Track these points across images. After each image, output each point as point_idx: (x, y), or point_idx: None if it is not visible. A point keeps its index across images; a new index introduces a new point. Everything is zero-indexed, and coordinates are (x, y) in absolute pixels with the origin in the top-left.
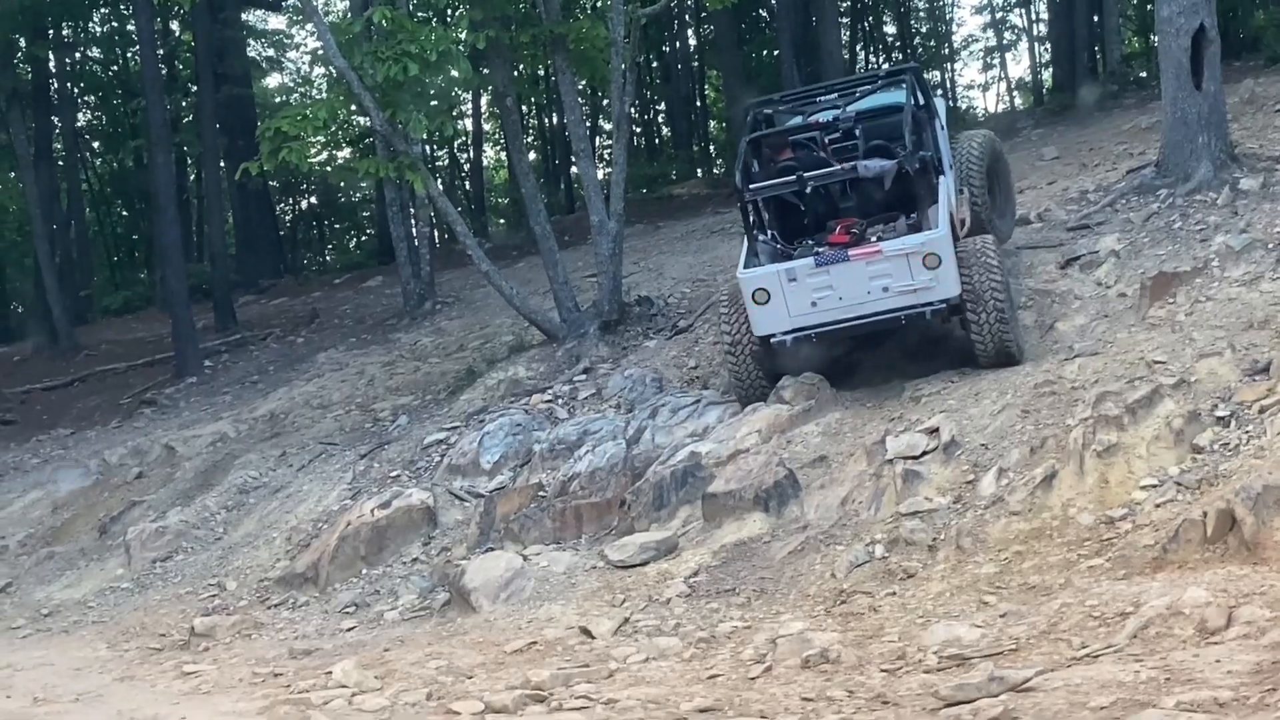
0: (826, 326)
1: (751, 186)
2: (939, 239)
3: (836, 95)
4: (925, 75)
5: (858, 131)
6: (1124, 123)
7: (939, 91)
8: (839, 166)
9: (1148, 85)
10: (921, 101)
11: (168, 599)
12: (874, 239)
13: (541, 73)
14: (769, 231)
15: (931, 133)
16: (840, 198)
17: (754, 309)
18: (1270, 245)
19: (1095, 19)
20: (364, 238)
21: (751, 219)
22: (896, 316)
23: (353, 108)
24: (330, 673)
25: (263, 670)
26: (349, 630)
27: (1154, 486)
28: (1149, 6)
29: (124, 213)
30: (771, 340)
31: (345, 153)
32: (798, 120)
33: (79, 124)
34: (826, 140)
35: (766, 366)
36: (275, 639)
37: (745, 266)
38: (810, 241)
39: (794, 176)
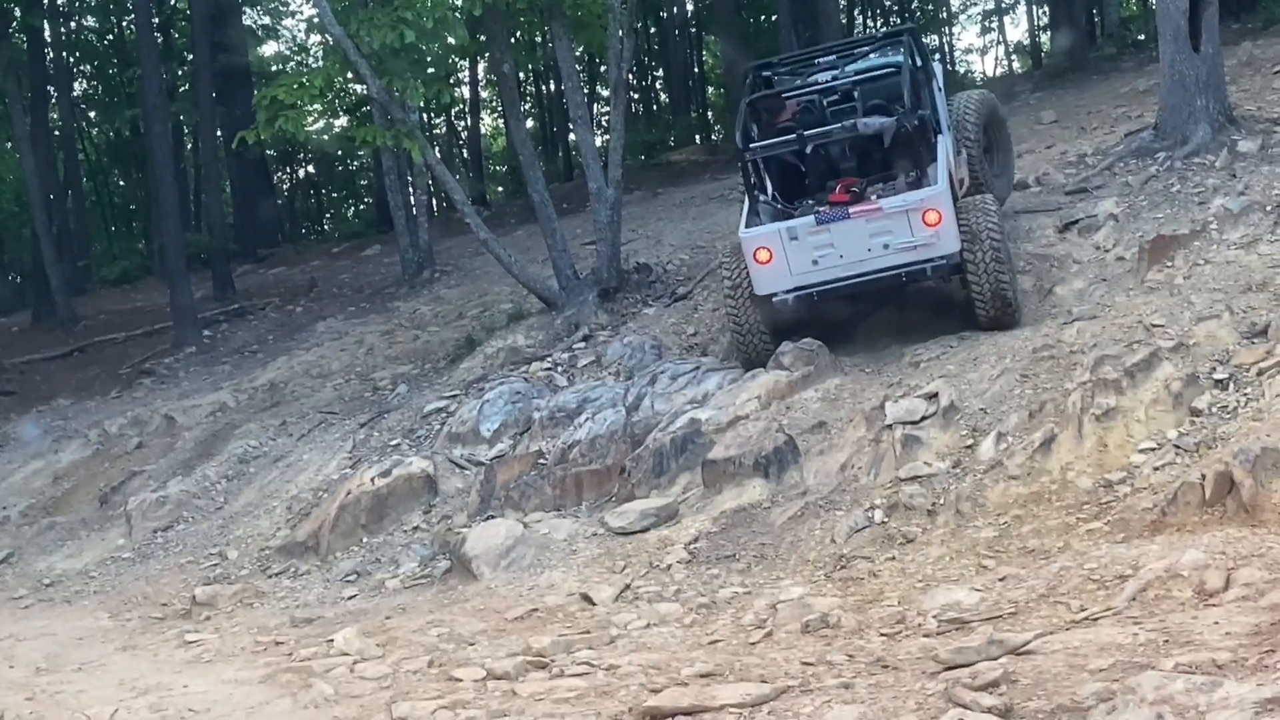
0: (828, 285)
1: (752, 146)
2: (938, 195)
3: (835, 57)
4: (923, 37)
5: (856, 92)
6: (1122, 86)
7: (936, 55)
8: (838, 125)
9: (1145, 48)
10: (919, 62)
11: (169, 568)
12: (874, 197)
13: (539, 39)
14: (770, 192)
15: (929, 93)
16: (840, 158)
17: (756, 268)
18: (1268, 208)
19: None
20: (362, 206)
21: (752, 179)
22: (897, 274)
23: (349, 75)
24: (332, 641)
25: (264, 639)
26: (350, 599)
27: (1152, 450)
28: None
29: (121, 182)
30: (774, 299)
31: (342, 121)
32: (797, 82)
33: (75, 93)
34: (825, 102)
35: (769, 326)
36: (277, 608)
37: (747, 226)
38: (811, 201)
39: (794, 135)
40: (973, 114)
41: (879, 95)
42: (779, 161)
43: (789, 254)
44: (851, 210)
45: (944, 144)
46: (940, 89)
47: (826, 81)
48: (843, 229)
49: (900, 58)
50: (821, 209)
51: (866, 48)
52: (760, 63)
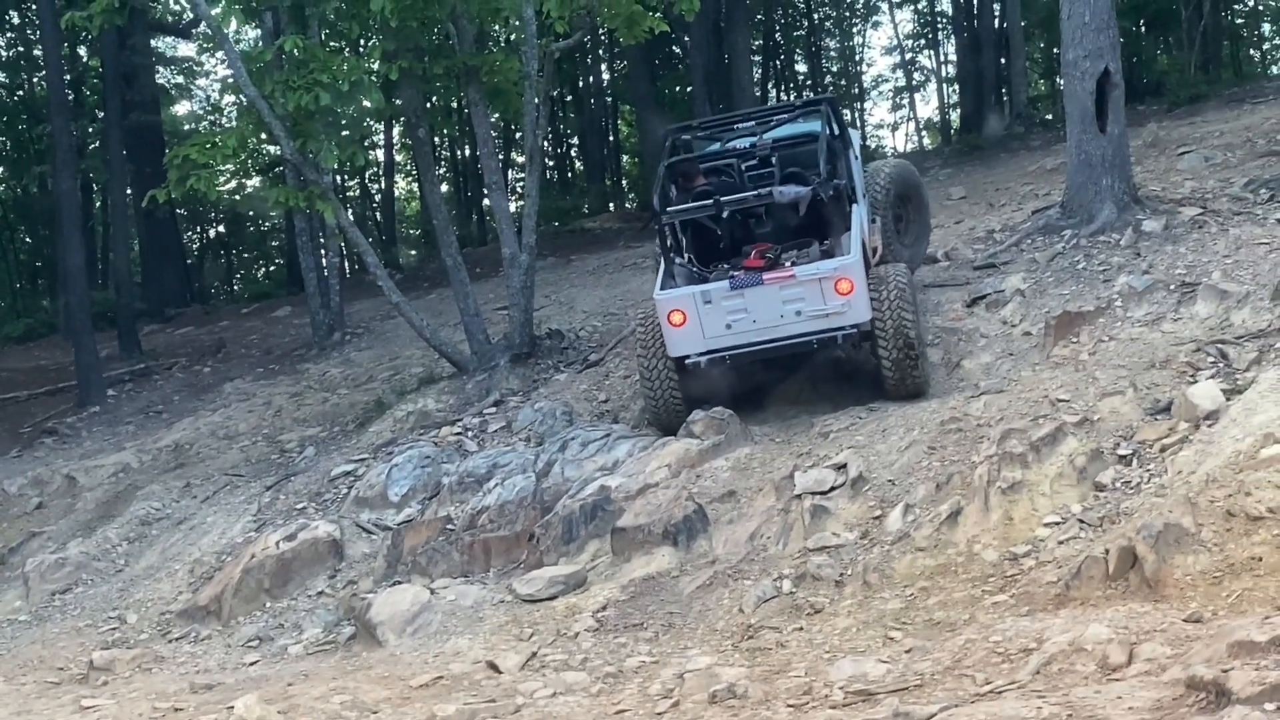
0: (740, 349)
1: (669, 210)
2: (851, 265)
3: (754, 123)
4: (840, 107)
5: (774, 159)
6: (1030, 163)
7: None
8: (755, 192)
9: (1053, 127)
10: (836, 131)
11: (66, 632)
12: (788, 264)
13: (454, 104)
14: (686, 255)
15: (846, 162)
16: (756, 224)
17: (669, 330)
18: (1171, 286)
19: (1002, 61)
20: (273, 267)
21: (669, 242)
22: (809, 340)
23: (263, 136)
24: (232, 708)
25: (163, 705)
26: (252, 664)
27: (1057, 524)
28: (1055, 50)
29: (27, 239)
30: (686, 361)
31: (254, 181)
32: (715, 147)
33: None
34: (743, 167)
35: (682, 390)
36: (176, 673)
37: (662, 288)
38: (726, 266)
39: (710, 201)
40: (887, 183)
41: (796, 162)
42: (695, 225)
43: (703, 317)
44: (765, 276)
45: (859, 213)
46: (857, 157)
47: (744, 148)
48: (756, 294)
49: (817, 126)
50: (736, 274)
51: (785, 115)
52: (679, 126)
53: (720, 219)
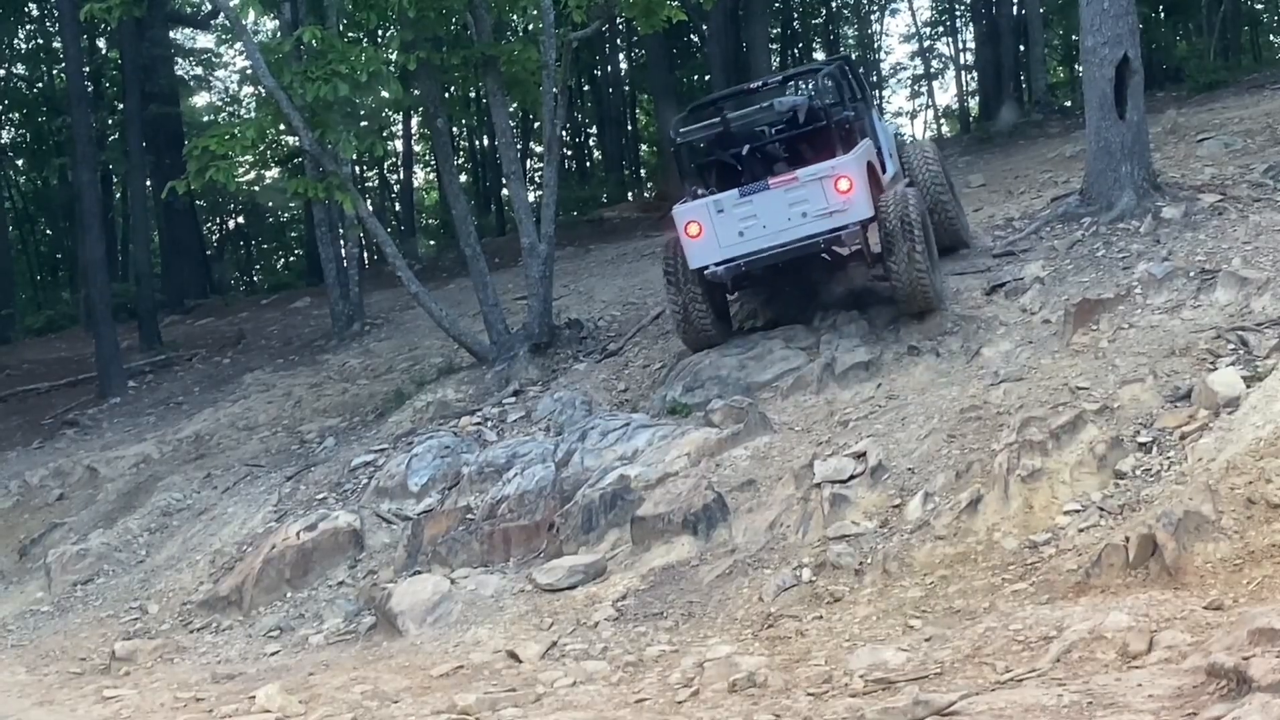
0: (753, 255)
1: (681, 130)
2: (848, 163)
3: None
4: (858, 68)
5: (787, 90)
6: (1049, 151)
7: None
8: (757, 106)
9: (1072, 114)
10: (856, 91)
11: (88, 622)
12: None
13: (473, 95)
14: (710, 189)
15: (861, 107)
16: (773, 159)
17: (688, 243)
18: (1191, 273)
19: (1021, 48)
20: (292, 258)
21: (685, 166)
22: (815, 241)
23: (281, 127)
24: (254, 697)
25: (185, 695)
26: (273, 654)
27: (1077, 511)
28: (1074, 37)
29: (48, 231)
30: (705, 271)
31: (274, 172)
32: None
33: (3, 141)
34: (772, 132)
35: (707, 304)
36: (198, 663)
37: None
38: None
39: (718, 120)
40: (934, 157)
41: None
42: (719, 164)
43: (717, 226)
44: (771, 181)
45: (865, 143)
46: (880, 117)
47: (758, 84)
48: (764, 199)
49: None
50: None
51: (804, 75)
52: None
53: (740, 156)
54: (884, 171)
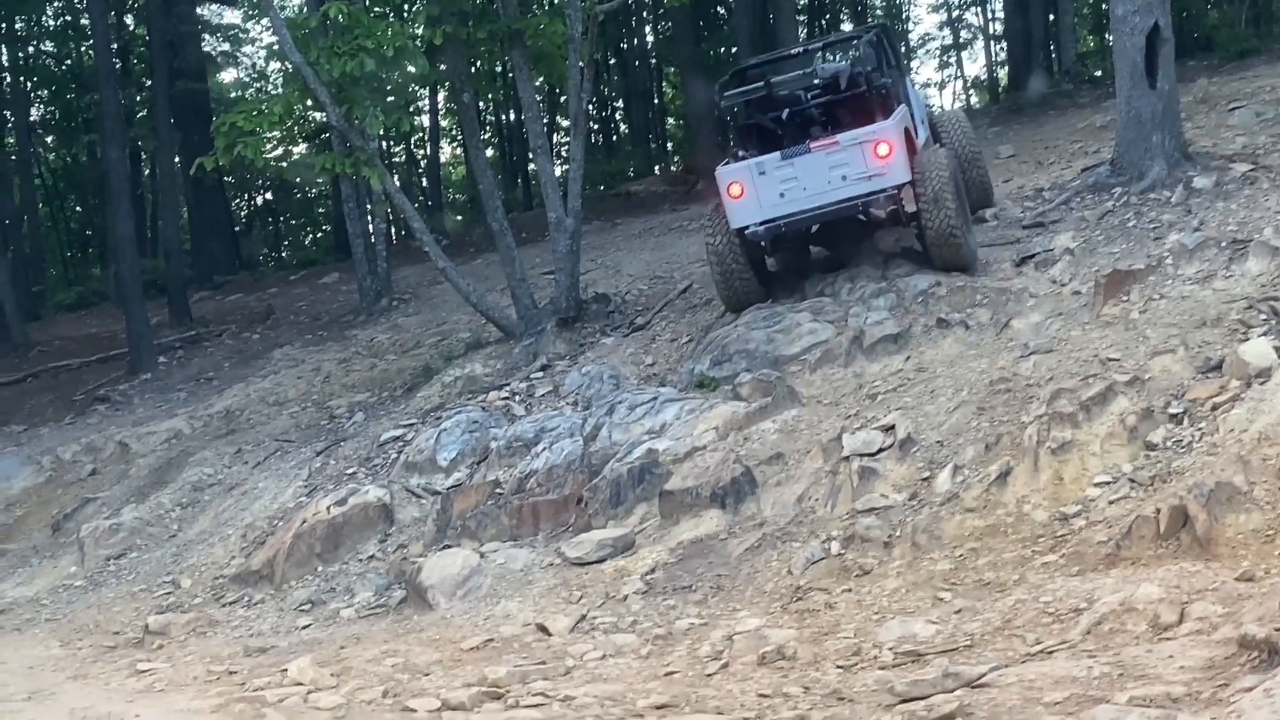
0: (794, 216)
1: (726, 94)
2: (888, 127)
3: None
4: (894, 35)
5: (825, 57)
6: (1079, 121)
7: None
8: (800, 71)
9: (1102, 84)
10: (891, 59)
11: (121, 596)
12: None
13: (499, 69)
14: (749, 153)
15: (897, 74)
16: (813, 124)
17: (730, 204)
18: (1223, 243)
19: (1050, 17)
20: (320, 234)
21: (728, 127)
22: (854, 203)
23: (308, 103)
24: (285, 670)
25: (217, 668)
26: (304, 628)
27: (1108, 483)
28: (1104, 5)
29: (78, 208)
30: (746, 231)
31: (301, 148)
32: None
33: (32, 118)
34: (809, 97)
35: (747, 264)
36: (230, 637)
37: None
38: None
39: (761, 84)
40: (968, 127)
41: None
42: (760, 130)
43: (759, 188)
44: (811, 145)
45: (902, 109)
46: (914, 85)
47: (798, 49)
48: (805, 162)
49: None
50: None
51: (839, 42)
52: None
53: (780, 121)
54: (917, 138)
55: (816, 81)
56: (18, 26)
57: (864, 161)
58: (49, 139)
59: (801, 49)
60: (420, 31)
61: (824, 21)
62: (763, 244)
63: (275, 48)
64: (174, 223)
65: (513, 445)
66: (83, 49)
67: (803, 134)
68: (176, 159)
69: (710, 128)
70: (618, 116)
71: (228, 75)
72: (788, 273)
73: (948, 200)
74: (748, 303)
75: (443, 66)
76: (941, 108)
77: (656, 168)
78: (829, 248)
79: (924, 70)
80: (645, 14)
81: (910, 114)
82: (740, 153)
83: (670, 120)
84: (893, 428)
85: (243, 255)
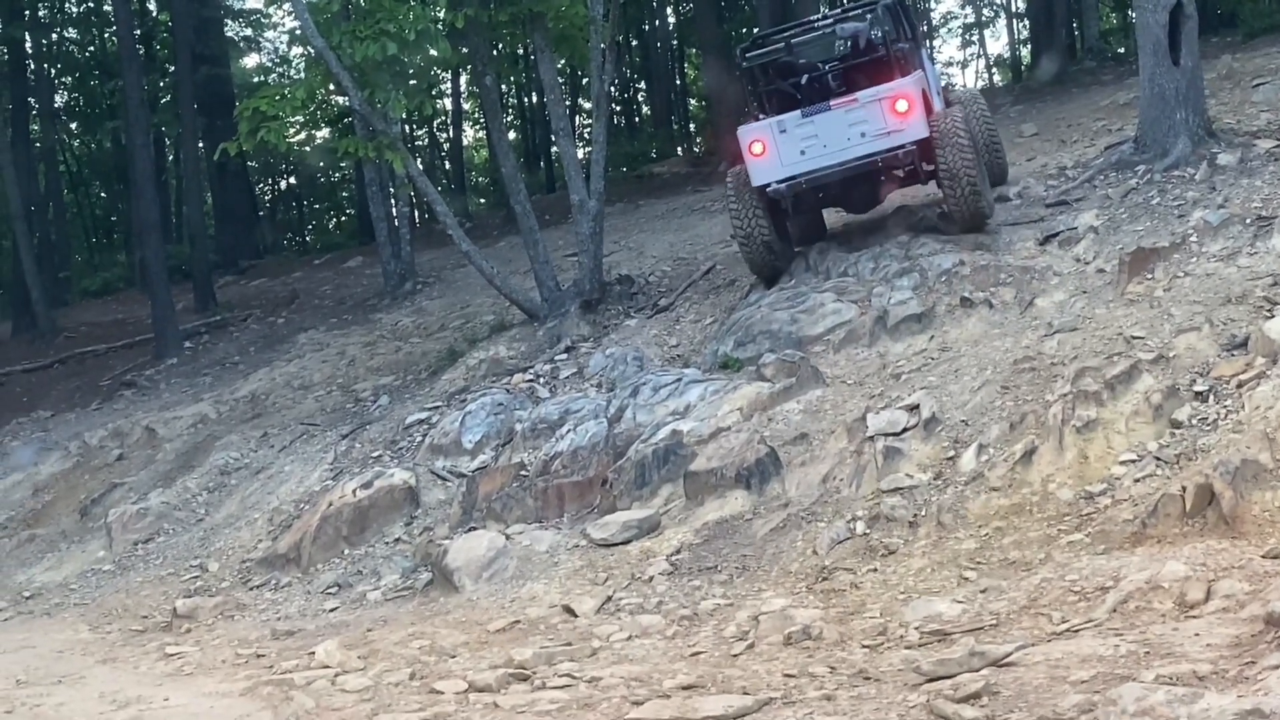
0: (814, 173)
1: (749, 54)
2: (906, 84)
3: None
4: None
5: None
6: (1102, 98)
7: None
8: (819, 32)
9: (1125, 61)
10: (908, 31)
11: (149, 581)
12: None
13: (521, 51)
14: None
15: (915, 43)
16: (832, 85)
17: (752, 161)
18: (1247, 220)
19: None
20: (343, 218)
21: (750, 88)
22: (874, 159)
23: (331, 87)
24: (313, 653)
25: (245, 651)
26: (331, 611)
27: (1133, 462)
28: None
29: (102, 194)
30: (768, 189)
31: (324, 132)
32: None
33: (56, 105)
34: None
35: (769, 223)
36: (258, 620)
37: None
38: None
39: (782, 44)
40: (984, 104)
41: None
42: (780, 93)
43: (780, 146)
44: (832, 103)
45: (918, 73)
46: (930, 58)
47: (818, 18)
48: (825, 120)
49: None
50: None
51: (856, 13)
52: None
53: (799, 85)
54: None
55: (837, 43)
56: (41, 13)
57: (883, 118)
58: (73, 125)
59: (820, 17)
60: (442, 14)
61: (845, 1)
62: (783, 202)
63: (297, 32)
64: (198, 208)
65: (537, 427)
66: (106, 35)
67: (822, 98)
68: (200, 144)
69: (731, 108)
70: (640, 98)
71: (250, 60)
72: (810, 250)
73: (966, 150)
74: (771, 266)
75: (465, 49)
76: (963, 85)
77: (679, 149)
78: (847, 208)
79: (946, 49)
80: None
81: (927, 81)
82: (760, 116)
83: (692, 101)
84: (917, 407)
85: (267, 240)
